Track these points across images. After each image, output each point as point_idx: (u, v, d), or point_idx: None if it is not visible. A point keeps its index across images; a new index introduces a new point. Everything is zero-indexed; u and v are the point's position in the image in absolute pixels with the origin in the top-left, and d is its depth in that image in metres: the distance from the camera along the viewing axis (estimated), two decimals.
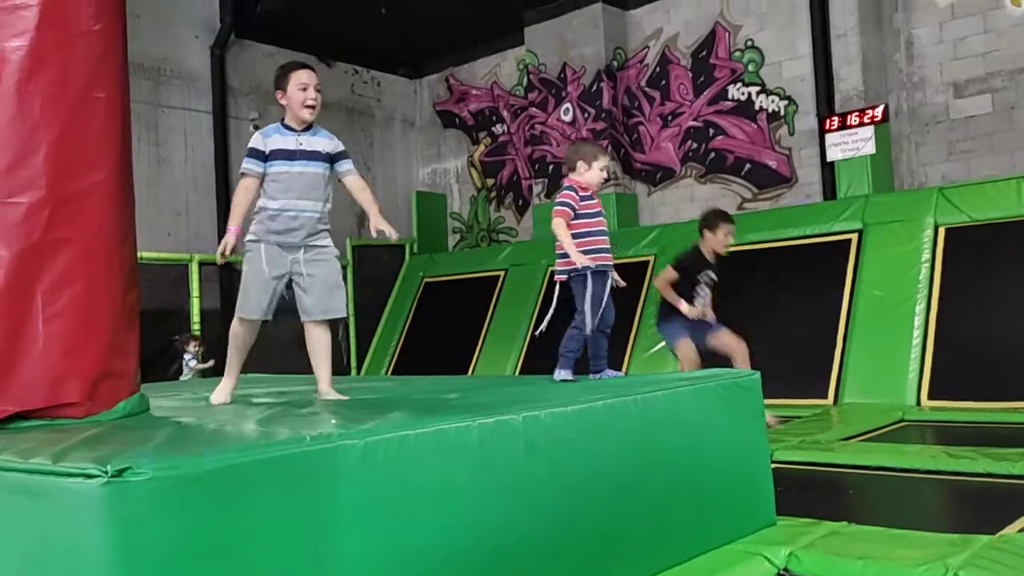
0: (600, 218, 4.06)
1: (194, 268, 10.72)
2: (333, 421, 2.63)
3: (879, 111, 9.38)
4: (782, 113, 10.73)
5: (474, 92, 14.25)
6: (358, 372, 12.39)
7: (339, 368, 12.15)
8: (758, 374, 3.71)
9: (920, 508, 4.61)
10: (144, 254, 10.09)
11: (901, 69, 9.88)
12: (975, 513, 4.33)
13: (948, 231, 8.39)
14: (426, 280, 12.99)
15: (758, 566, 3.22)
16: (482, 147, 14.16)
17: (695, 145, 11.49)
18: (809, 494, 4.84)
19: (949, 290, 8.07)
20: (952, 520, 4.35)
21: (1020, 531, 3.59)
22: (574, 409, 2.89)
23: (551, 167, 12.51)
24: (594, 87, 12.02)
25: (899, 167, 9.81)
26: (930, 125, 9.65)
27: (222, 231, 11.84)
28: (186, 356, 10.23)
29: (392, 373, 12.02)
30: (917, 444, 6.11)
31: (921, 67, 9.74)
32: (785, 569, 3.25)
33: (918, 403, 7.67)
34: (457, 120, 14.48)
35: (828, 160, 9.72)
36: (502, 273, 11.97)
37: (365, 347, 12.65)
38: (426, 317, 12.55)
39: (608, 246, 4.05)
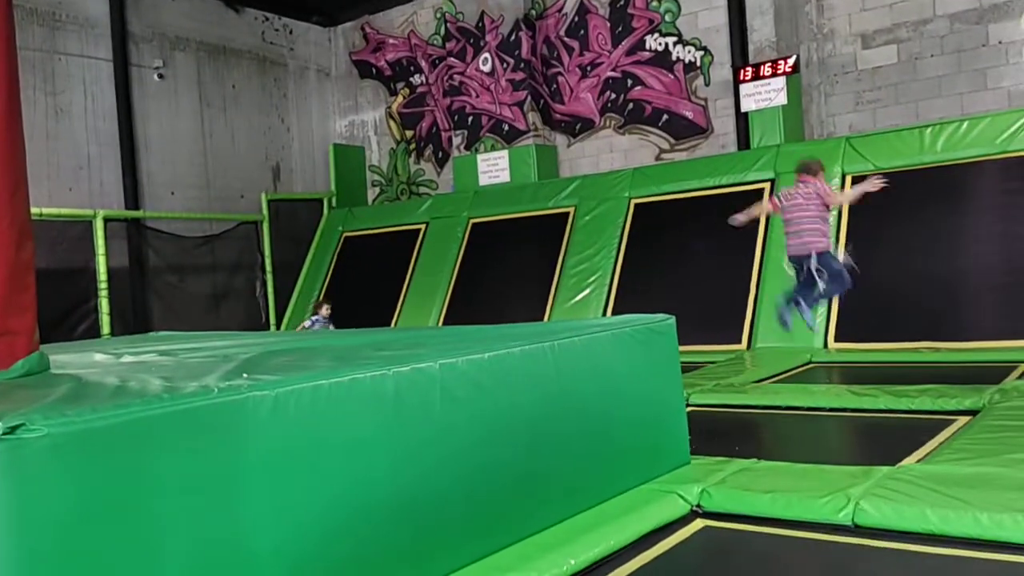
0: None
1: (99, 225, 10.25)
2: (244, 375, 2.57)
3: (790, 62, 9.55)
4: (698, 64, 10.83)
5: (391, 42, 13.91)
6: (278, 327, 12.17)
7: (257, 323, 11.91)
8: (672, 319, 3.78)
9: (826, 444, 4.82)
10: (43, 210, 9.60)
11: (812, 20, 10.06)
12: (876, 446, 4.56)
13: (855, 179, 8.65)
14: (346, 234, 12.78)
15: (672, 504, 3.31)
16: (400, 98, 13.89)
17: (614, 96, 11.51)
18: (723, 434, 5.00)
19: (855, 237, 8.36)
20: (855, 454, 4.57)
21: (918, 461, 3.79)
22: (491, 356, 2.89)
23: (470, 118, 12.37)
24: (512, 37, 11.88)
25: (809, 117, 10.05)
26: (839, 76, 9.89)
27: (128, 185, 11.41)
28: (315, 318, 10.39)
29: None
30: (824, 384, 6.37)
31: (831, 18, 9.94)
32: (698, 505, 3.36)
33: (825, 346, 7.98)
34: (374, 70, 14.14)
35: (742, 110, 9.88)
36: (423, 226, 11.87)
37: (285, 303, 12.42)
38: (347, 271, 12.38)
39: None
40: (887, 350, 7.41)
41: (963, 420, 4.61)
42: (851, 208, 8.46)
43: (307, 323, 10.44)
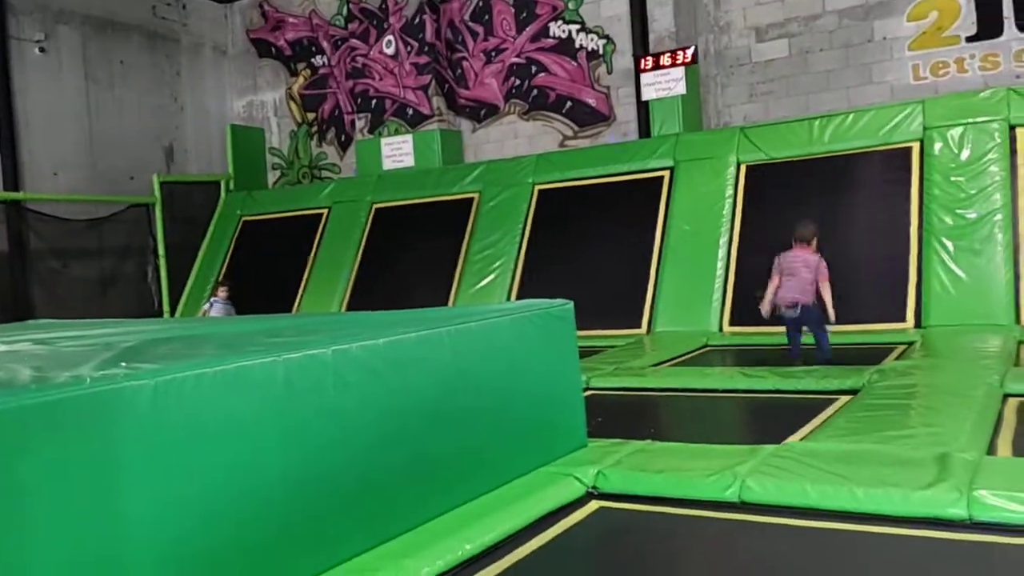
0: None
1: None
2: (123, 364, 2.45)
3: (689, 53, 9.77)
4: (601, 52, 10.95)
5: (291, 20, 13.53)
6: (172, 314, 11.73)
7: (149, 310, 11.45)
8: (570, 304, 3.82)
9: (717, 424, 4.98)
10: None
11: (709, 13, 10.31)
12: (764, 426, 4.74)
13: (748, 168, 8.95)
14: (244, 218, 12.41)
15: (568, 486, 3.36)
16: (301, 79, 13.53)
17: (518, 82, 11.53)
18: (622, 416, 5.11)
19: (748, 223, 8.65)
20: (744, 433, 4.75)
21: (801, 439, 3.95)
22: (386, 342, 2.85)
23: (374, 101, 12.17)
24: (417, 19, 11.74)
25: (707, 107, 10.32)
26: (734, 67, 10.19)
27: (7, 165, 10.71)
28: (214, 300, 9.92)
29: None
30: (718, 366, 6.57)
31: (727, 11, 10.21)
32: (593, 487, 3.41)
33: (721, 329, 8.25)
34: (273, 50, 13.73)
35: (643, 99, 10.05)
36: (325, 211, 11.63)
37: (180, 288, 11.97)
38: (246, 256, 12.03)
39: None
40: (778, 333, 7.70)
41: (844, 399, 4.83)
42: (746, 198, 8.75)
43: (206, 306, 10.11)
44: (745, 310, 8.21)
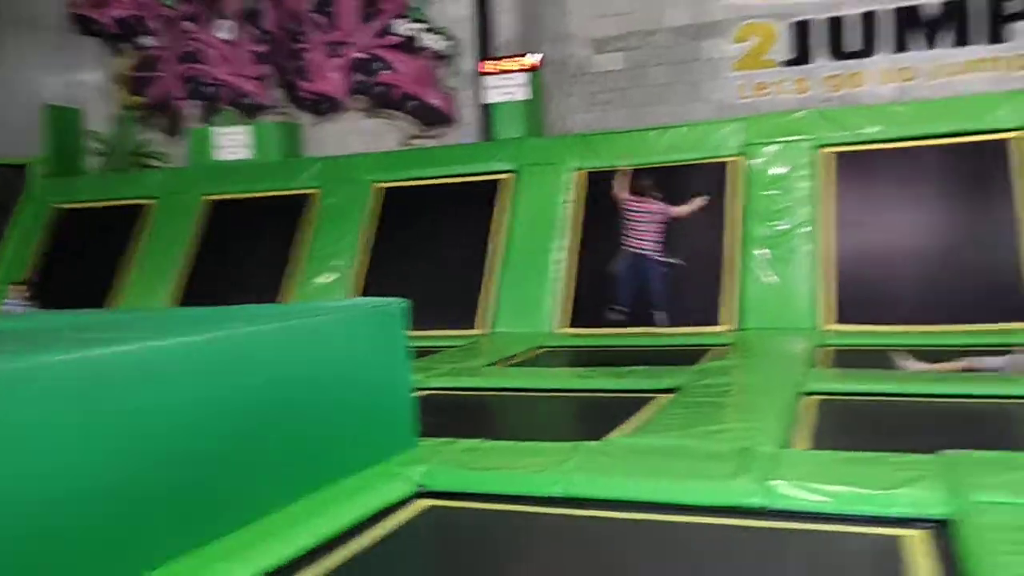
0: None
1: None
2: None
3: (533, 59, 9.99)
4: (445, 53, 10.99)
5: None
6: None
7: None
8: (402, 302, 3.80)
9: (548, 422, 5.12)
10: None
11: (552, 22, 10.59)
12: (590, 423, 4.91)
13: (589, 175, 9.27)
14: (59, 206, 11.48)
15: (396, 485, 3.35)
16: (127, 60, 12.70)
17: (362, 77, 11.36)
18: (456, 415, 5.14)
19: (586, 228, 8.96)
20: (571, 430, 4.89)
21: (623, 436, 4.13)
22: (206, 338, 2.74)
23: (208, 88, 11.63)
24: (255, 6, 11.31)
25: (549, 114, 10.58)
26: (576, 77, 10.51)
27: None
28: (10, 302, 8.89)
29: None
30: (551, 367, 6.76)
31: (569, 22, 10.53)
32: (422, 485, 3.42)
33: (556, 331, 8.49)
34: (96, 27, 12.80)
35: (486, 102, 10.18)
36: (153, 202, 10.97)
37: None
38: (60, 248, 11.13)
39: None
40: (606, 335, 8.02)
41: (666, 397, 5.09)
42: (586, 204, 9.05)
43: (6, 307, 9.25)
44: (580, 312, 8.50)
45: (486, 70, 10.11)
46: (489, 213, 9.38)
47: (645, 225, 7.63)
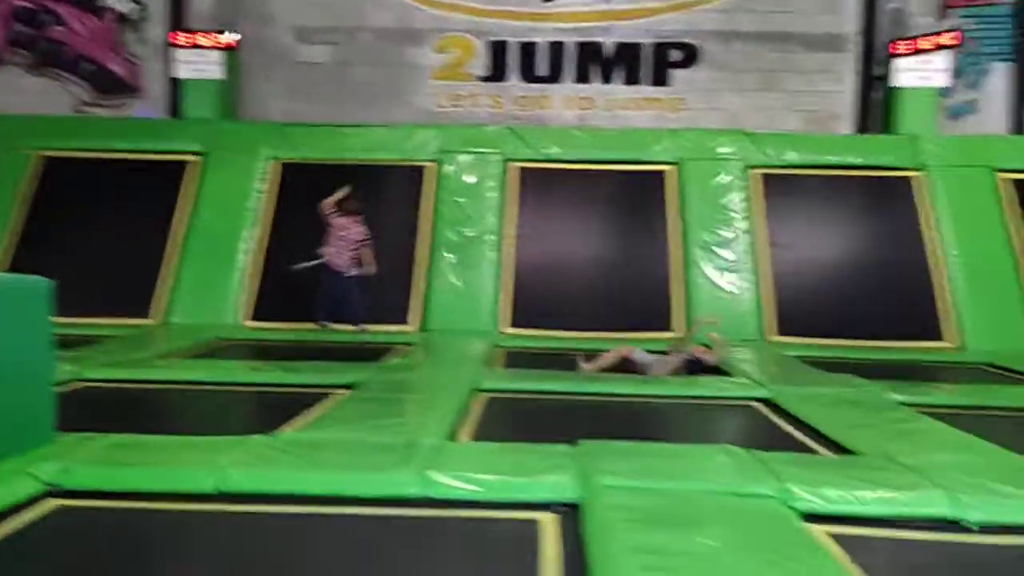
0: None
1: None
2: None
3: (231, 38, 9.49)
4: (133, 17, 10.07)
5: None
6: None
7: None
8: (45, 282, 3.40)
9: (216, 416, 4.86)
10: None
11: (254, 3, 10.15)
12: (262, 417, 4.76)
13: (283, 165, 8.99)
14: None
15: (22, 484, 2.99)
16: None
17: (25, 29, 10.00)
18: (112, 409, 4.71)
19: (279, 221, 8.68)
20: (241, 424, 4.71)
21: (294, 430, 4.05)
22: None
23: None
24: None
25: (246, 98, 10.12)
26: (277, 63, 10.16)
27: None
28: None
29: None
30: (228, 360, 6.45)
31: (272, 4, 10.15)
32: (54, 484, 3.08)
33: (239, 323, 8.11)
34: None
35: (175, 77, 9.48)
36: None
37: None
38: None
39: None
40: (294, 330, 7.83)
41: (343, 393, 5.08)
42: (280, 195, 8.76)
43: None
44: (266, 306, 8.21)
45: (178, 42, 9.42)
46: (172, 196, 8.74)
47: (344, 244, 7.66)
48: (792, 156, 8.83)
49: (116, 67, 10.07)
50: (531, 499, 3.06)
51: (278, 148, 9.00)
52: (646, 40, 10.15)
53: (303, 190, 8.76)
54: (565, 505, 3.02)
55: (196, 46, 9.43)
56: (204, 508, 3.06)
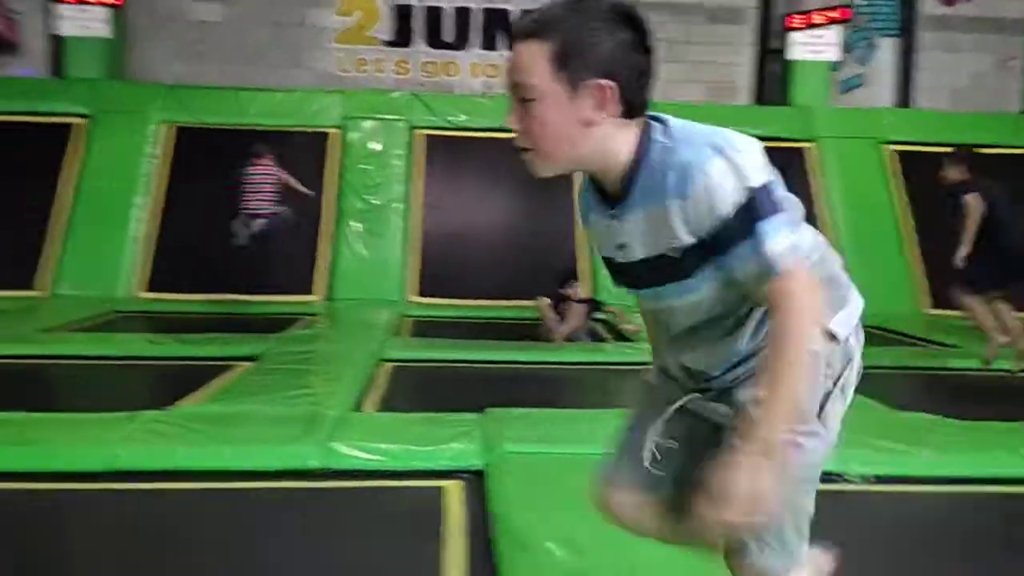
0: None
1: None
2: None
3: None
4: None
5: None
6: None
7: None
8: None
9: (110, 392, 4.65)
10: None
11: None
12: (156, 392, 4.60)
13: (175, 129, 8.62)
14: None
15: None
16: None
17: None
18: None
19: (173, 187, 8.33)
20: (135, 399, 4.47)
21: (191, 404, 3.92)
22: None
23: None
24: None
25: (134, 58, 9.59)
26: (167, 22, 9.65)
27: None
28: None
29: None
30: (122, 333, 6.19)
31: None
32: None
33: (134, 294, 7.79)
34: None
35: (57, 33, 8.92)
36: None
37: None
38: None
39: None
40: (192, 301, 7.57)
41: (245, 365, 4.94)
42: (174, 159, 8.40)
43: None
44: (166, 275, 7.89)
45: None
46: (56, 160, 8.26)
47: (267, 187, 7.35)
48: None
49: None
50: (436, 467, 3.05)
51: (171, 111, 8.62)
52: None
53: (199, 156, 8.43)
54: (470, 472, 3.02)
55: (81, 2, 8.88)
56: (91, 487, 2.93)
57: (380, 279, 8.17)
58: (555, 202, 8.73)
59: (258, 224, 7.26)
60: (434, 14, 9.96)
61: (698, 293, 1.32)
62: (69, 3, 8.88)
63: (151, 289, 7.90)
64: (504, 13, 9.97)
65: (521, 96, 1.27)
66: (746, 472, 1.19)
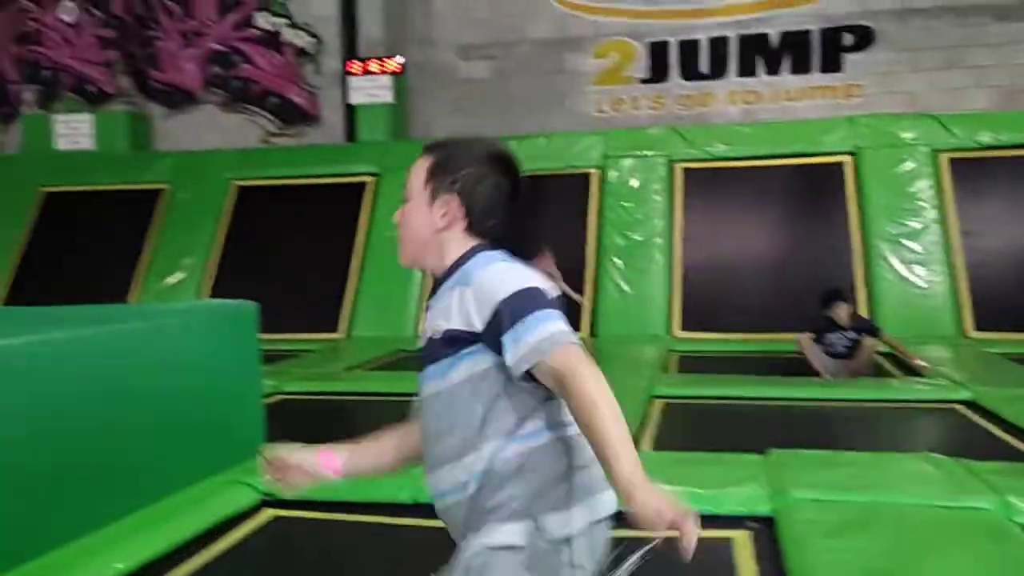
0: None
1: None
2: None
3: (398, 62, 9.93)
4: (310, 51, 10.75)
5: None
6: None
7: None
8: (253, 305, 3.69)
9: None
10: None
11: (417, 26, 10.56)
12: None
13: None
14: None
15: (241, 495, 3.24)
16: None
17: (220, 70, 10.93)
18: (310, 421, 5.03)
19: None
20: None
21: None
22: (28, 341, 2.56)
23: (47, 73, 10.87)
24: None
25: (414, 117, 10.54)
26: (441, 82, 10.52)
27: None
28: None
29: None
30: (413, 371, 6.72)
31: (435, 27, 10.53)
32: (268, 495, 3.32)
33: (417, 334, 8.45)
34: None
35: (350, 103, 10.03)
36: None
37: None
38: None
39: None
40: None
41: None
42: None
43: None
44: None
45: (351, 70, 9.97)
46: (351, 215, 9.24)
47: None
48: (985, 138, 8.16)
49: (297, 98, 10.79)
50: (721, 512, 2.98)
51: None
52: (814, 26, 9.69)
53: None
54: (758, 520, 2.92)
55: (367, 73, 9.94)
56: (399, 521, 3.19)
57: (643, 314, 8.18)
58: (825, 229, 8.29)
59: None
60: (688, 47, 9.93)
61: (448, 379, 1.43)
62: (358, 75, 9.97)
63: None
64: (763, 38, 9.71)
65: (403, 196, 1.53)
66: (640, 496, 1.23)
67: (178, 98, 11.04)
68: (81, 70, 10.80)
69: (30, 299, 8.85)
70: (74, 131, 10.49)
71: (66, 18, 10.77)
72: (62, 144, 10.49)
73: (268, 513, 3.23)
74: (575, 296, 7.32)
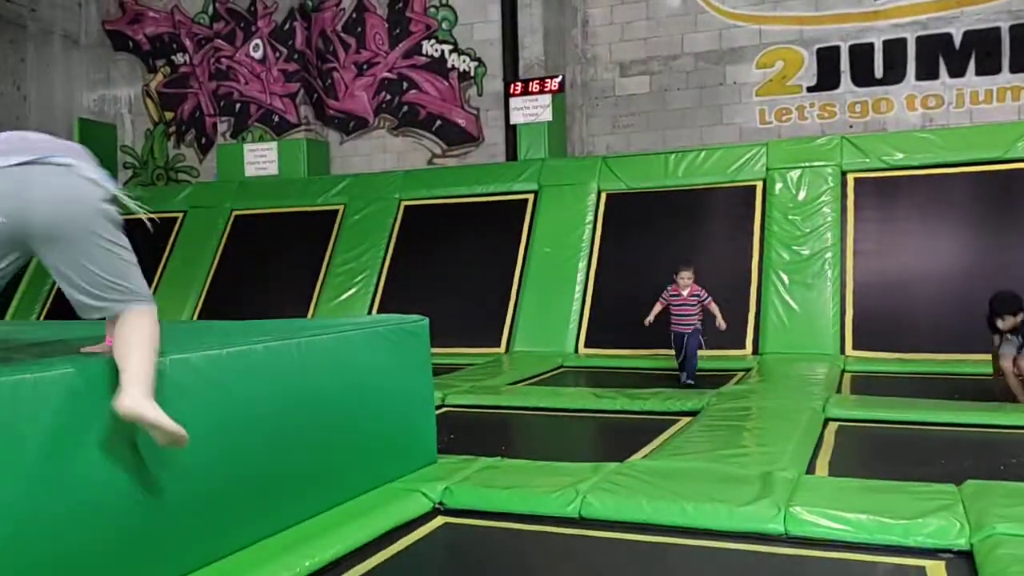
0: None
1: None
2: None
3: (557, 81, 10.07)
4: (472, 74, 11.10)
5: (151, 14, 12.94)
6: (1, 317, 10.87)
7: None
8: (425, 320, 3.84)
9: (567, 442, 5.12)
10: None
11: (577, 45, 10.67)
12: (610, 444, 4.91)
13: (608, 196, 9.30)
14: None
15: (415, 502, 3.37)
16: (160, 76, 12.95)
17: (389, 97, 11.50)
18: (476, 433, 5.16)
19: (606, 249, 8.97)
20: (591, 451, 4.90)
21: (643, 458, 4.13)
22: (230, 352, 2.78)
23: (238, 105, 11.82)
24: (287, 25, 11.51)
25: (572, 135, 10.64)
26: (599, 99, 10.57)
27: None
28: None
29: (48, 319, 10.71)
30: (571, 387, 6.76)
31: (594, 45, 10.60)
32: (440, 503, 3.44)
33: (576, 351, 8.48)
34: (131, 43, 13.08)
35: (511, 123, 10.26)
36: (180, 215, 11.14)
37: (9, 293, 11.11)
38: None
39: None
40: (627, 356, 8.00)
41: (685, 420, 5.08)
42: (604, 224, 9.06)
43: None
44: (600, 333, 8.49)
45: (512, 91, 10.20)
46: (512, 232, 9.42)
47: (690, 308, 6.91)
48: None
49: (459, 120, 11.16)
50: (911, 543, 2.80)
51: (604, 180, 9.32)
52: (1004, 23, 8.98)
53: (628, 218, 8.98)
54: (952, 552, 2.72)
55: (527, 93, 10.14)
56: (565, 532, 3.21)
57: (811, 332, 7.81)
58: (1015, 239, 7.63)
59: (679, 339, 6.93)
60: (861, 51, 9.46)
61: None
62: (518, 96, 10.18)
63: (588, 345, 8.53)
64: (946, 37, 9.10)
65: None
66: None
67: (352, 124, 11.71)
68: (267, 102, 11.66)
69: (220, 313, 9.63)
70: (261, 158, 11.35)
71: (254, 55, 11.68)
72: (250, 171, 11.36)
73: (440, 520, 3.33)
74: (721, 323, 6.87)
